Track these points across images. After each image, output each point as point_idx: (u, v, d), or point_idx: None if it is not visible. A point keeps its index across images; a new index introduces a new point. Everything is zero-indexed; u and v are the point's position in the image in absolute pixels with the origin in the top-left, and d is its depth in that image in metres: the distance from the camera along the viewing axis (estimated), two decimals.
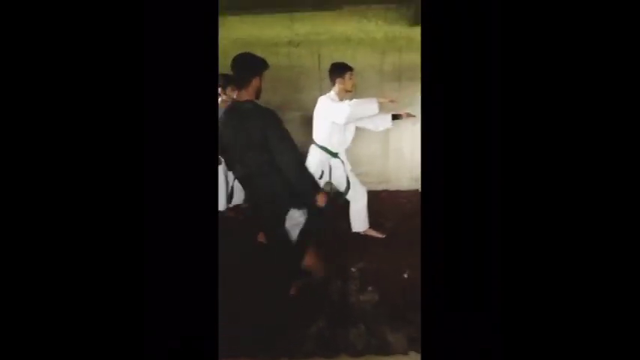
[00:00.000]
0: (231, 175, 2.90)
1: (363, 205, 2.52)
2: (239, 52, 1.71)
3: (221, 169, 2.87)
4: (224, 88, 2.57)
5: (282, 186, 1.64)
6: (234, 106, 1.65)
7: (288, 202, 1.69)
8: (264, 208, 1.74)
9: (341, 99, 2.27)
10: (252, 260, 2.30)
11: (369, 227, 2.59)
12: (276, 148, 1.57)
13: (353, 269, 2.18)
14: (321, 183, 2.37)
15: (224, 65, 3.17)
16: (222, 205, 2.97)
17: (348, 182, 2.42)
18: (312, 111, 2.38)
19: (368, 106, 2.11)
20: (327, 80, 2.66)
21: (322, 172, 2.35)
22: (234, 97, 1.70)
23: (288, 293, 1.91)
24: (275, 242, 1.83)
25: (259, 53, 1.83)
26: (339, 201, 2.53)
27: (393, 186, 3.49)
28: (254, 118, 1.57)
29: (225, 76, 2.58)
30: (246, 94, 1.63)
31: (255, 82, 1.63)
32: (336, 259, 2.30)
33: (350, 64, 2.38)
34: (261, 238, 2.46)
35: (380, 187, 3.45)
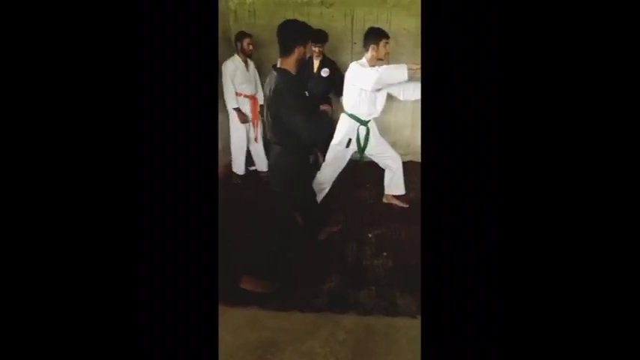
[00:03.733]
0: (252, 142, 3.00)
1: (398, 167, 2.50)
2: (271, 11, 1.66)
3: (244, 133, 2.94)
4: (241, 42, 2.72)
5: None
6: (274, 76, 1.63)
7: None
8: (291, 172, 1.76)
9: (372, 66, 2.22)
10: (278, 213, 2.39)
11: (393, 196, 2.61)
12: (303, 127, 1.57)
13: (370, 235, 2.23)
14: (349, 151, 2.38)
15: (253, 24, 3.16)
16: (242, 169, 3.04)
17: (366, 144, 2.39)
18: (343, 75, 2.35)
19: (397, 72, 2.06)
20: (360, 44, 2.60)
21: (349, 140, 2.35)
22: (278, 64, 1.66)
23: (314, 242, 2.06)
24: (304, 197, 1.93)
25: (290, 13, 1.79)
26: (360, 163, 2.52)
27: (419, 157, 3.44)
28: (286, 92, 1.57)
29: (242, 33, 2.76)
30: (287, 63, 1.63)
31: (298, 51, 1.61)
32: (354, 224, 2.36)
33: (384, 27, 2.30)
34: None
35: (406, 159, 3.41)
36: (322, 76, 2.90)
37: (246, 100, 2.87)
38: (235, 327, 1.51)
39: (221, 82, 2.79)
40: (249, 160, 3.08)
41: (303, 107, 1.60)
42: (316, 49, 2.83)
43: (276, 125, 1.66)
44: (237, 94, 2.81)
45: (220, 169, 3.03)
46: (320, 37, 2.78)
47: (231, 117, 2.89)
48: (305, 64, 1.77)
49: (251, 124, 2.94)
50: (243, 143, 2.97)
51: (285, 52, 1.62)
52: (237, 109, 2.84)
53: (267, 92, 1.68)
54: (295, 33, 1.62)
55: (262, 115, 1.86)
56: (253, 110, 2.90)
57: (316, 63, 2.91)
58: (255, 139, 3.02)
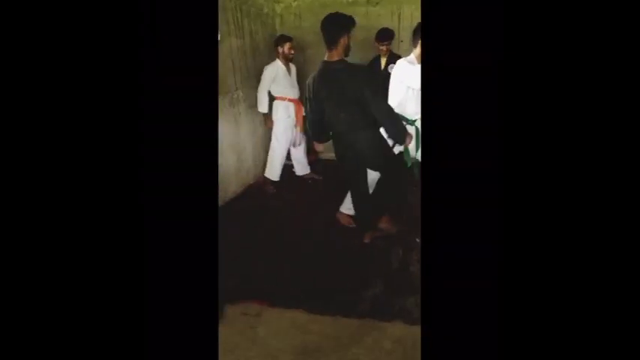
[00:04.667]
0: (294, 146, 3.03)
1: None
2: (316, 13, 1.79)
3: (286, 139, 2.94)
4: (282, 46, 2.75)
5: (372, 141, 1.87)
6: (327, 67, 1.78)
7: (372, 158, 1.94)
8: (352, 162, 1.94)
9: (420, 63, 2.13)
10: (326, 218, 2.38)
11: None
12: (372, 100, 1.74)
13: (417, 239, 2.14)
14: (395, 151, 2.30)
15: (298, 27, 3.17)
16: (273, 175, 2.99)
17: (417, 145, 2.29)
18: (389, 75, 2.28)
19: None
20: (407, 42, 2.52)
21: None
22: (326, 57, 1.81)
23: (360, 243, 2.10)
24: (357, 193, 2.03)
25: None
26: (414, 170, 2.43)
27: None
28: (347, 76, 1.73)
29: (281, 36, 2.82)
30: (337, 54, 1.77)
31: (343, 41, 1.76)
32: (400, 228, 2.28)
33: None
34: (343, 220, 2.36)
35: None
36: (389, 72, 2.90)
37: (290, 104, 2.88)
38: (277, 329, 1.50)
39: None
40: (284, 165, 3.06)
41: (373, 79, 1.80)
42: (383, 48, 2.84)
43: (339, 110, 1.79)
44: (278, 98, 2.83)
45: (253, 180, 3.09)
46: (386, 35, 2.82)
47: (276, 125, 2.89)
48: (349, 50, 1.85)
49: (294, 128, 2.95)
50: (284, 149, 2.95)
51: (331, 44, 1.75)
52: (265, 115, 2.86)
53: (316, 87, 1.80)
54: (337, 25, 1.75)
55: (306, 110, 1.99)
56: (298, 114, 2.92)
57: (383, 61, 2.92)
58: (294, 144, 3.02)
